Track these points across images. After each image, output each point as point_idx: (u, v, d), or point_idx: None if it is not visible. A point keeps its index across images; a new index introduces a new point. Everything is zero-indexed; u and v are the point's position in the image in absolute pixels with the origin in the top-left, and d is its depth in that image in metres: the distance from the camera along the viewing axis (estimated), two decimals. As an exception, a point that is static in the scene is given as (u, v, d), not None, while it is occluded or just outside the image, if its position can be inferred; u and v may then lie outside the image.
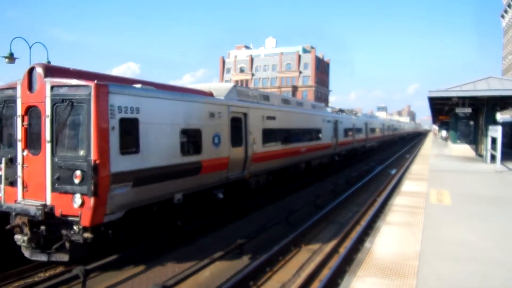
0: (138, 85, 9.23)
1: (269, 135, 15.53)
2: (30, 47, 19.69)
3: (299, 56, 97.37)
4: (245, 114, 13.65)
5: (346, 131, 29.02)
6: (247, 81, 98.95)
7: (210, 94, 12.79)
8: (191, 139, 10.63)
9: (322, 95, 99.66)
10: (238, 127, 13.20)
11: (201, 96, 11.78)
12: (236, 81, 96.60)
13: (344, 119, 29.25)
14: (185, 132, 10.26)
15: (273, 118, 16.04)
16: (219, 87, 13.62)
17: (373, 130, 41.84)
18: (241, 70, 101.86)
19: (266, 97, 16.55)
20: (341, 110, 33.37)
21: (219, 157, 11.83)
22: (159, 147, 9.27)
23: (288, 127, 17.89)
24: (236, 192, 14.02)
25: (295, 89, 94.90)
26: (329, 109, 30.95)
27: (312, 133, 21.17)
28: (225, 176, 12.37)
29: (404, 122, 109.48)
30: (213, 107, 11.76)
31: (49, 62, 17.10)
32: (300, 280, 8.15)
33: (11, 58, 19.03)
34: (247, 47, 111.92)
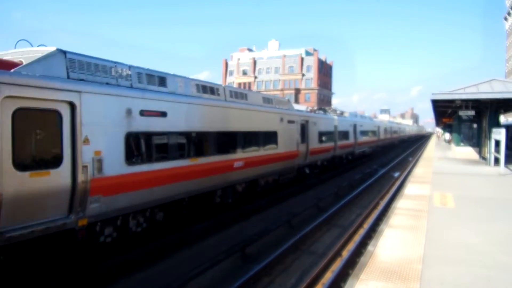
0: None
1: (147, 143, 9.48)
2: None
3: (302, 59, 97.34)
4: (72, 105, 7.50)
5: (322, 135, 22.92)
6: (250, 83, 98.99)
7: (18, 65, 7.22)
8: None
9: (325, 98, 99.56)
10: (45, 129, 7.21)
11: None
12: (239, 84, 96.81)
13: (320, 120, 22.90)
14: None
15: (161, 114, 9.83)
16: (36, 54, 7.71)
17: (365, 133, 36.02)
18: (244, 73, 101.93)
19: (156, 79, 10.23)
20: (322, 109, 28.11)
21: None
22: None
23: (201, 129, 11.49)
24: (48, 258, 7.69)
25: (298, 91, 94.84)
26: (302, 107, 25.65)
27: (258, 139, 14.85)
28: None
29: (405, 124, 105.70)
30: None
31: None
32: (302, 283, 8.11)
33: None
34: (250, 50, 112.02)
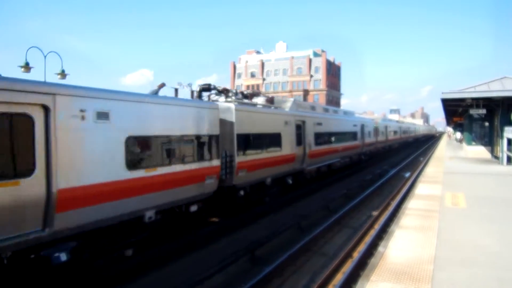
0: None
1: None
2: (45, 56, 20.07)
3: (310, 60, 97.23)
4: None
5: (174, 147, 9.74)
6: (258, 85, 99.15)
7: None
8: None
9: (333, 99, 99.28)
10: None
11: None
12: (247, 86, 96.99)
13: (138, 107, 8.59)
14: None
15: None
16: None
17: (330, 136, 22.28)
18: (252, 75, 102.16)
19: None
20: (245, 96, 15.90)
21: None
22: None
23: None
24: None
25: (306, 93, 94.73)
26: (216, 97, 14.02)
27: None
28: None
29: (410, 123, 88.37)
30: None
31: (63, 71, 17.43)
32: (313, 285, 8.09)
33: (26, 67, 19.44)
34: (257, 52, 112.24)
